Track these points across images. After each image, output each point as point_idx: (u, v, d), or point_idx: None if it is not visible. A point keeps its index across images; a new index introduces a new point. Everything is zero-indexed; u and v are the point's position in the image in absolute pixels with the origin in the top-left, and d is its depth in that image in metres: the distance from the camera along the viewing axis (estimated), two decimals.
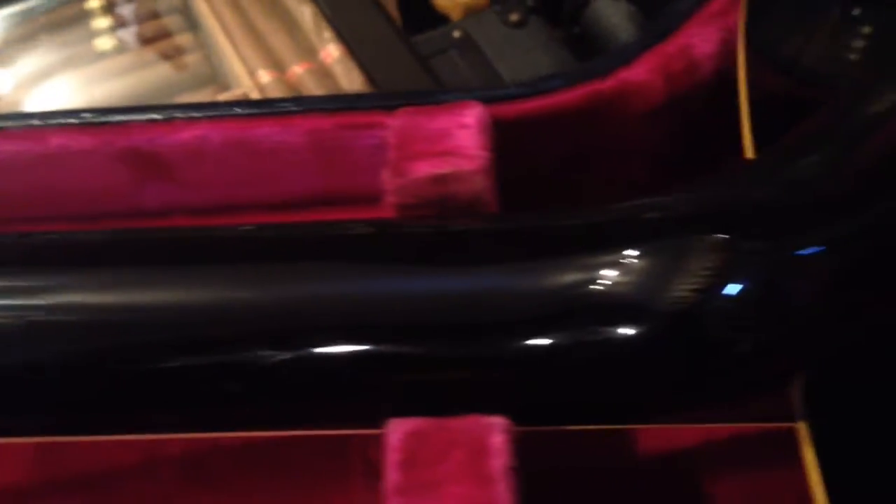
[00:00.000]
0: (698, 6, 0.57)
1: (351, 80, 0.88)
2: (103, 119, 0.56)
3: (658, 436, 0.55)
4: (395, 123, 0.54)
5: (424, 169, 0.51)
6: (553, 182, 0.62)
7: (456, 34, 0.95)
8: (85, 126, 0.57)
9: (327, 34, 0.90)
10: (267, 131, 0.57)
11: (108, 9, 0.92)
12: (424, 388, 0.44)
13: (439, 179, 0.50)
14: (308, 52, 0.90)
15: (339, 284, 0.42)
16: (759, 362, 0.41)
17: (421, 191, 0.51)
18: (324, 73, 0.89)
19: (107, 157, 0.57)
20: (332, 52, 0.89)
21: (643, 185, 0.62)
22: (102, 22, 0.92)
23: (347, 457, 0.54)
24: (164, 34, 0.93)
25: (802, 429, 0.44)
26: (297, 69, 0.89)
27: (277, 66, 0.90)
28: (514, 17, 0.96)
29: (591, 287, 0.41)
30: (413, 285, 0.42)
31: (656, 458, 0.55)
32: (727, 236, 0.40)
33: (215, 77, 0.93)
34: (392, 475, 0.43)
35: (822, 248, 0.39)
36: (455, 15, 1.00)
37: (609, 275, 0.41)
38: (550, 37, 0.94)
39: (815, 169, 0.40)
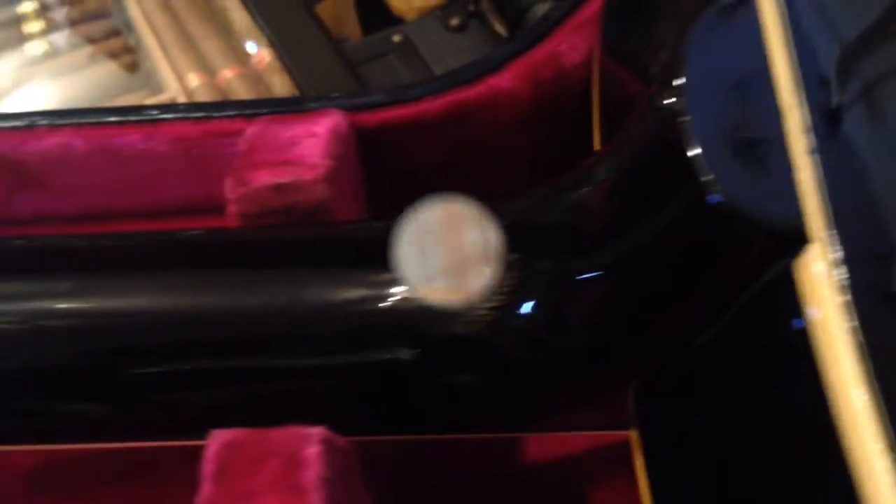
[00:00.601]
0: (569, 14, 0.56)
1: (283, 85, 0.87)
2: None
3: (545, 444, 0.54)
4: (249, 131, 0.53)
5: (265, 178, 0.50)
6: (434, 188, 0.61)
7: (396, 38, 0.95)
8: None
9: (260, 39, 0.89)
10: (131, 139, 0.56)
11: (41, 13, 0.92)
12: (229, 400, 0.43)
13: (279, 188, 0.50)
14: (240, 56, 0.90)
15: (132, 299, 0.42)
16: (554, 378, 0.40)
17: (263, 200, 0.50)
18: (255, 77, 0.89)
19: None
20: (265, 57, 0.89)
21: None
22: (35, 26, 0.91)
23: (199, 465, 0.53)
24: (98, 38, 0.93)
25: (634, 437, 0.43)
26: (227, 73, 0.88)
27: (208, 69, 0.89)
28: (454, 21, 0.95)
29: (384, 304, 0.40)
30: (204, 298, 0.41)
31: (542, 466, 0.54)
32: (520, 256, 0.39)
33: (148, 81, 0.92)
34: (206, 487, 0.43)
35: (599, 272, 0.37)
36: (410, 17, 1.00)
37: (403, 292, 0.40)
38: (490, 41, 0.93)
39: (594, 193, 0.39)
